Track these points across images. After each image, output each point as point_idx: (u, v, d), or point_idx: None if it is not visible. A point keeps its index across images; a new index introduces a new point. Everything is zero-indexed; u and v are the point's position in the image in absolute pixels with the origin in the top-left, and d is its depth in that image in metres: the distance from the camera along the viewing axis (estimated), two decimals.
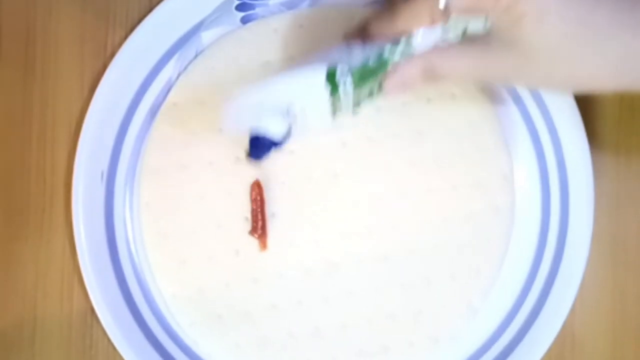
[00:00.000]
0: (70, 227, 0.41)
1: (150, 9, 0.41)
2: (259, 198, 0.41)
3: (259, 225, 0.41)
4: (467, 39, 0.34)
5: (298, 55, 0.41)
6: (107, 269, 0.41)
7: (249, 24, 0.42)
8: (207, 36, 0.42)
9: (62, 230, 0.42)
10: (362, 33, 0.36)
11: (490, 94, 0.42)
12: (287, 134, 0.37)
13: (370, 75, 0.35)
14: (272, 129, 0.37)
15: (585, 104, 0.42)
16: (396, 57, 0.34)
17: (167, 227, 0.41)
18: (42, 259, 0.42)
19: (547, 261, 0.42)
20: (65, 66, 0.42)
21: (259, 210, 0.41)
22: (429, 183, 0.41)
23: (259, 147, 0.38)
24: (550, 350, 0.42)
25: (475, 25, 0.33)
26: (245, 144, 0.38)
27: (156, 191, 0.41)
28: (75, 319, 0.42)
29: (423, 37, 0.33)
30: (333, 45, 0.36)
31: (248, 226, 0.41)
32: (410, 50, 0.34)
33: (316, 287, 0.41)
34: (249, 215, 0.41)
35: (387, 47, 0.34)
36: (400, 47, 0.34)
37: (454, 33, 0.33)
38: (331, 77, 0.34)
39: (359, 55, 0.35)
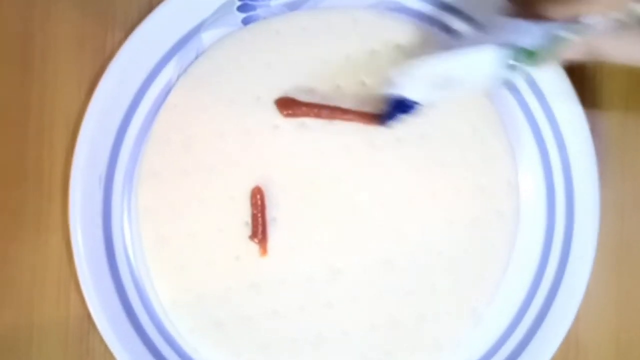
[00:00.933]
0: (68, 232, 0.41)
1: (150, 10, 0.41)
2: (259, 202, 0.41)
3: (259, 230, 0.41)
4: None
5: (300, 58, 0.41)
6: (105, 274, 0.41)
7: (250, 25, 0.42)
8: (207, 37, 0.41)
9: (59, 234, 0.42)
10: (530, 11, 0.35)
11: (496, 99, 0.42)
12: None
13: (541, 54, 0.34)
14: (425, 98, 0.38)
15: (592, 111, 0.42)
16: (571, 36, 0.34)
17: (166, 231, 0.41)
18: (39, 264, 0.42)
19: (552, 267, 0.42)
20: (64, 67, 0.42)
21: (259, 214, 0.41)
22: (433, 188, 0.41)
23: (398, 109, 0.39)
24: (554, 357, 0.41)
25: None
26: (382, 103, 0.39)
27: (155, 195, 0.41)
28: (72, 325, 0.42)
29: (599, 20, 0.33)
30: (501, 21, 0.36)
31: (248, 231, 0.41)
32: (585, 32, 0.34)
33: (318, 292, 0.41)
34: (249, 219, 0.41)
35: (563, 28, 0.34)
36: (575, 28, 0.33)
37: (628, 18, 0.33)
38: (503, 59, 0.34)
39: (532, 35, 0.34)
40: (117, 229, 0.41)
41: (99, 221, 0.41)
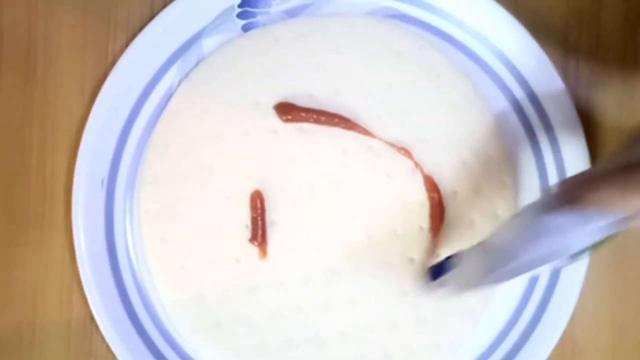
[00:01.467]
0: (70, 234, 0.41)
1: (152, 17, 0.41)
2: (259, 206, 0.41)
3: (259, 233, 0.41)
4: None
5: (299, 65, 0.42)
6: (107, 276, 0.41)
7: (250, 32, 0.42)
8: (208, 44, 0.42)
9: (62, 236, 0.42)
10: (586, 197, 0.28)
11: (492, 102, 0.42)
12: None
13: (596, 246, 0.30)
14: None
15: (587, 117, 0.42)
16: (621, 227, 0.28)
17: (167, 234, 0.41)
18: (42, 266, 0.42)
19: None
20: (66, 73, 0.42)
21: (259, 218, 0.41)
22: (429, 191, 0.42)
23: (442, 270, 0.36)
24: (550, 357, 0.42)
25: None
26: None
27: (156, 198, 0.41)
28: (74, 326, 0.42)
29: None
30: (551, 213, 0.30)
31: (248, 234, 0.41)
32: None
33: (316, 294, 0.41)
34: (249, 222, 0.41)
35: (620, 224, 0.28)
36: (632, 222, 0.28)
37: None
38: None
39: (587, 231, 0.29)
40: (119, 231, 0.41)
41: (101, 224, 0.41)
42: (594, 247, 0.30)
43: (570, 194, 0.29)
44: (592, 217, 0.28)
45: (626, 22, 0.43)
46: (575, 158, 0.41)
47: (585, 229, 0.28)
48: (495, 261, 0.31)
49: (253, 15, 0.42)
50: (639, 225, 0.26)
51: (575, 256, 0.30)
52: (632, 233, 0.42)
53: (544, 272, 0.42)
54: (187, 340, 0.41)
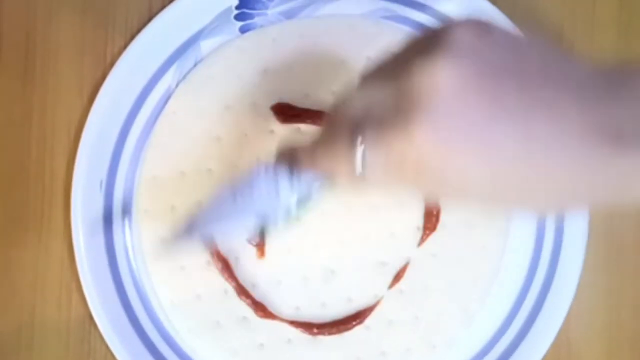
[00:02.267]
0: (69, 234, 0.41)
1: (150, 18, 0.42)
2: None
3: (256, 233, 0.41)
4: None
5: (296, 65, 0.42)
6: (106, 276, 0.41)
7: (247, 33, 0.42)
8: (206, 45, 0.42)
9: (60, 237, 0.42)
10: (292, 156, 0.31)
11: None
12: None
13: (301, 208, 0.32)
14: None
15: None
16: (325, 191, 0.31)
17: (165, 234, 0.41)
18: (41, 266, 0.42)
19: (543, 268, 0.42)
20: (65, 74, 0.43)
21: None
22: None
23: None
24: (545, 356, 0.42)
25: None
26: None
27: (155, 199, 0.41)
28: (73, 326, 0.42)
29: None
30: (259, 171, 0.32)
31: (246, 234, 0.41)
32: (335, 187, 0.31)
33: (314, 294, 0.41)
34: None
35: (314, 185, 0.31)
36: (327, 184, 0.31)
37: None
38: (261, 229, 0.33)
39: (290, 188, 0.31)
40: (118, 231, 0.42)
41: (100, 224, 0.41)
42: (305, 204, 0.32)
43: (286, 156, 0.32)
44: (294, 176, 0.31)
45: (620, 24, 0.43)
46: None
47: (289, 185, 0.31)
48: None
49: (250, 16, 0.42)
50: (339, 183, 0.30)
51: (287, 214, 0.32)
52: (626, 233, 0.43)
53: (538, 274, 0.42)
54: (185, 339, 0.42)
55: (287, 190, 0.31)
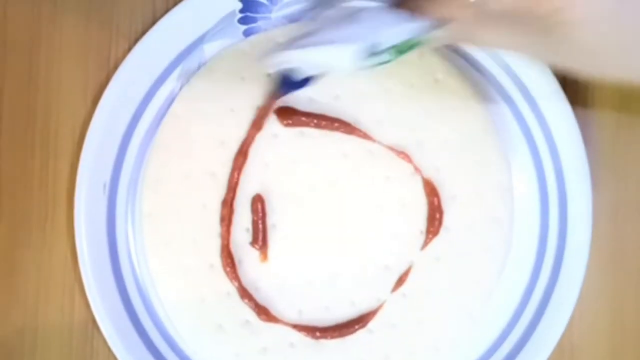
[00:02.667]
0: (72, 237, 0.41)
1: (154, 22, 0.42)
2: (260, 210, 0.41)
3: (260, 237, 0.41)
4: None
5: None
6: (109, 279, 0.41)
7: (251, 37, 0.42)
8: (209, 48, 0.42)
9: (64, 239, 0.42)
10: (408, 3, 0.34)
11: (488, 105, 0.42)
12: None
13: (406, 49, 0.33)
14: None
15: (583, 114, 0.42)
16: (431, 39, 0.33)
17: (168, 237, 0.41)
18: (44, 268, 0.42)
19: (546, 271, 0.42)
20: (69, 77, 0.43)
21: (260, 221, 0.41)
22: (429, 195, 0.42)
23: (288, 84, 0.38)
24: (549, 359, 0.42)
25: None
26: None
27: (158, 202, 0.41)
28: (76, 328, 0.42)
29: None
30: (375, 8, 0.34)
31: (249, 237, 0.41)
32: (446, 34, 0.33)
33: (317, 297, 0.41)
34: (249, 226, 0.42)
35: (429, 28, 0.33)
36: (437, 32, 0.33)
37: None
38: (362, 53, 0.33)
39: (402, 29, 0.33)
40: (121, 234, 0.42)
41: (103, 227, 0.42)
42: (400, 48, 0.33)
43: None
44: (405, 19, 0.33)
45: None
46: (573, 160, 0.42)
47: (396, 27, 0.33)
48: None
49: (254, 20, 0.42)
50: (443, 34, 0.32)
51: (378, 52, 0.33)
52: (629, 236, 0.43)
53: (541, 278, 0.42)
54: (188, 342, 0.42)
55: (395, 27, 0.33)
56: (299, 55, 0.35)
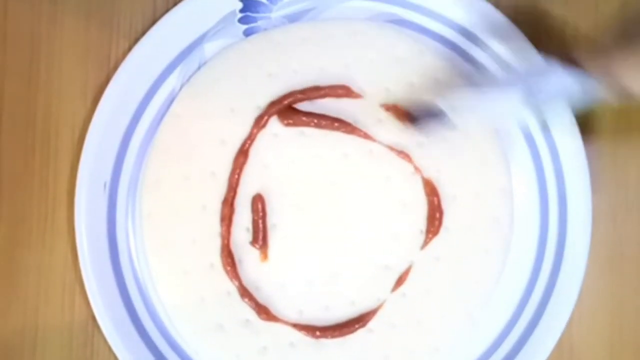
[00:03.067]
0: (73, 237, 0.41)
1: (154, 21, 0.42)
2: (260, 209, 0.41)
3: (260, 236, 0.41)
4: None
5: (300, 68, 0.42)
6: (109, 279, 0.41)
7: (251, 37, 0.42)
8: (210, 48, 0.42)
9: (64, 239, 0.42)
10: (599, 62, 0.32)
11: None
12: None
13: (567, 103, 0.34)
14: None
15: (583, 116, 0.42)
16: (599, 90, 0.32)
17: (168, 236, 0.41)
18: (45, 268, 0.42)
19: (546, 272, 0.42)
20: (69, 77, 0.43)
21: (260, 221, 0.41)
22: (429, 195, 0.42)
23: (431, 115, 0.38)
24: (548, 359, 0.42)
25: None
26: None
27: (158, 201, 0.41)
28: (76, 328, 0.42)
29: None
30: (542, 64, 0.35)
31: (249, 237, 0.42)
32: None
33: (317, 297, 0.41)
34: (250, 226, 0.42)
35: (594, 81, 0.32)
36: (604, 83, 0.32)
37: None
38: (528, 104, 0.33)
39: (564, 83, 0.33)
40: (122, 234, 0.42)
41: (103, 227, 0.42)
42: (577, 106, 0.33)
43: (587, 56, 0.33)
44: (578, 75, 0.32)
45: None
46: (573, 162, 0.42)
47: (567, 81, 0.33)
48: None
49: (254, 20, 0.42)
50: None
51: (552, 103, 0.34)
52: (629, 237, 0.43)
53: (541, 279, 0.42)
54: (188, 342, 0.42)
55: (566, 85, 0.32)
56: (477, 95, 0.36)
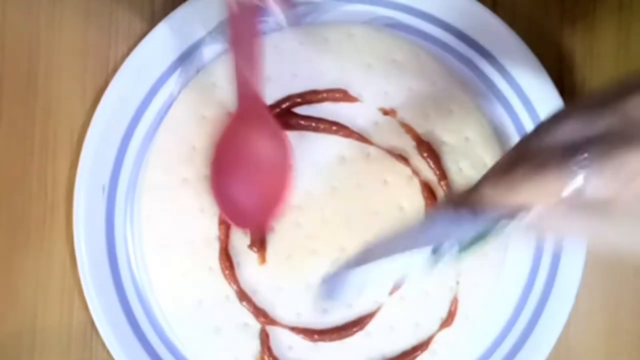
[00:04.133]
0: (71, 240, 0.41)
1: (153, 25, 0.42)
2: None
3: (258, 239, 0.41)
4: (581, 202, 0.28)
5: (298, 71, 0.42)
6: (107, 282, 0.41)
7: None
8: (208, 52, 0.42)
9: (62, 243, 0.42)
10: (469, 199, 0.30)
11: (487, 109, 0.43)
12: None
13: (477, 243, 0.30)
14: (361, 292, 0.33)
15: None
16: (508, 230, 0.29)
17: (167, 240, 0.41)
18: (43, 272, 0.42)
19: (543, 274, 0.42)
20: (68, 80, 0.43)
21: None
22: (427, 198, 0.42)
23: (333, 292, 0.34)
24: None
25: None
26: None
27: (157, 204, 0.41)
28: (74, 331, 0.42)
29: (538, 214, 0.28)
30: (435, 214, 0.32)
31: (247, 240, 0.42)
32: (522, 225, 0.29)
33: (315, 300, 0.41)
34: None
35: (501, 221, 0.29)
36: (515, 222, 0.29)
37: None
38: (435, 253, 0.30)
39: (467, 228, 0.30)
40: (120, 237, 0.42)
41: (101, 230, 0.42)
42: (464, 245, 0.30)
43: (456, 197, 0.31)
44: (468, 216, 0.30)
45: (620, 30, 0.44)
46: None
47: (463, 226, 0.30)
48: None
49: None
50: (524, 223, 0.28)
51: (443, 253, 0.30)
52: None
53: (538, 280, 0.42)
54: (186, 345, 0.42)
55: (463, 229, 0.30)
56: (369, 269, 0.32)
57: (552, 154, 0.27)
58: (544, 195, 0.27)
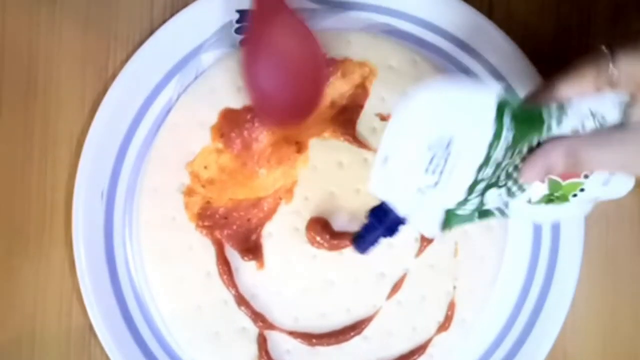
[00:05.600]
0: (70, 245, 0.42)
1: (152, 32, 0.42)
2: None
3: (246, 250, 0.42)
4: (603, 129, 0.33)
5: None
6: (106, 287, 0.42)
7: None
8: (206, 58, 0.42)
9: (62, 248, 0.42)
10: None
11: None
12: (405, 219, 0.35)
13: (525, 130, 0.33)
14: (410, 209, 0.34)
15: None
16: (553, 122, 0.33)
17: (165, 245, 0.42)
18: (42, 276, 0.43)
19: (539, 279, 0.43)
20: (67, 87, 0.43)
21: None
22: None
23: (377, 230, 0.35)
24: None
25: (612, 116, 0.32)
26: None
27: (155, 210, 0.42)
28: (73, 336, 0.43)
29: (579, 106, 0.32)
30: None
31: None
32: (563, 117, 0.32)
33: (313, 304, 0.42)
34: None
35: (546, 109, 0.32)
36: (557, 112, 0.32)
37: (592, 122, 0.32)
38: (500, 109, 0.32)
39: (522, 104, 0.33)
40: (119, 242, 0.42)
41: (100, 235, 0.42)
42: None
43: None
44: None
45: (613, 38, 0.44)
46: None
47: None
48: None
49: None
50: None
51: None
52: (621, 244, 0.43)
53: (535, 285, 0.43)
54: (185, 350, 0.42)
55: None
56: (444, 86, 0.33)
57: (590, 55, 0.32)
58: (583, 84, 0.32)
